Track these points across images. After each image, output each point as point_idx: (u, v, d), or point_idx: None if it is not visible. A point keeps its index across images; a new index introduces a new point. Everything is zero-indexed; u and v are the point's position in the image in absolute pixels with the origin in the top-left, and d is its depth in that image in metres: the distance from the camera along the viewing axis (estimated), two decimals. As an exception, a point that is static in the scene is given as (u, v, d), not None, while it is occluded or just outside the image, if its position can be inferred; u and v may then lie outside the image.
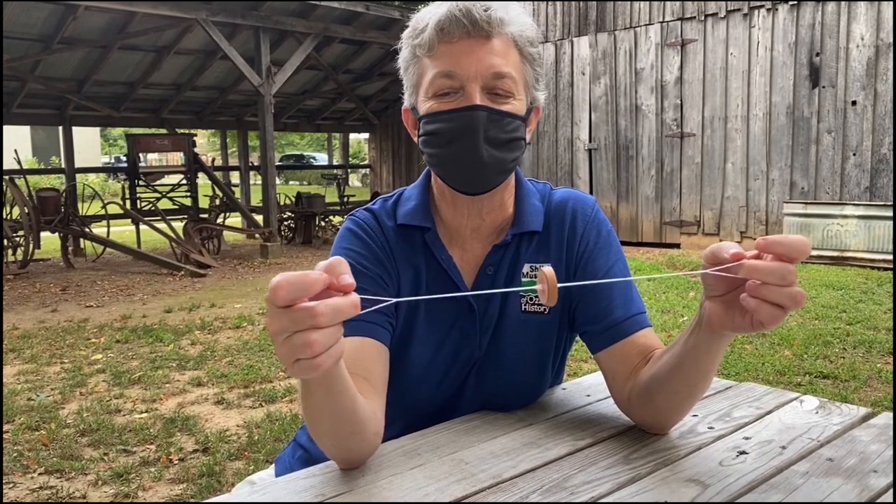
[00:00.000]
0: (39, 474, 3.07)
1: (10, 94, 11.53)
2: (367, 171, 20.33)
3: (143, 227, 11.02)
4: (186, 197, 12.48)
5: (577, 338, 1.24)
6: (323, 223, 12.66)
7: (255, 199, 13.85)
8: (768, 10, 9.15)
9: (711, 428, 1.09)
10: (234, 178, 17.95)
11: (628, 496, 0.87)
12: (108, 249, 10.36)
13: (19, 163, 11.33)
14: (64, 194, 10.56)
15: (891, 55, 8.21)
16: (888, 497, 0.86)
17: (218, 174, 13.73)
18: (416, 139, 1.14)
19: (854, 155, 8.59)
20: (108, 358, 4.97)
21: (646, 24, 10.26)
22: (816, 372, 4.15)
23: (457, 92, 1.05)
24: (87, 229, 10.06)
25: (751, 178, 9.46)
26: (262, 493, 0.93)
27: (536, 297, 1.15)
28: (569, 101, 11.24)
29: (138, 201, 11.94)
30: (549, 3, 11.31)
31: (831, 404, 1.18)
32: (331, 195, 14.62)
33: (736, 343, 4.75)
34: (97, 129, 29.77)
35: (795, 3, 8.89)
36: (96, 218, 10.63)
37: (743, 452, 0.99)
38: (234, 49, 9.88)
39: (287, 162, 31.77)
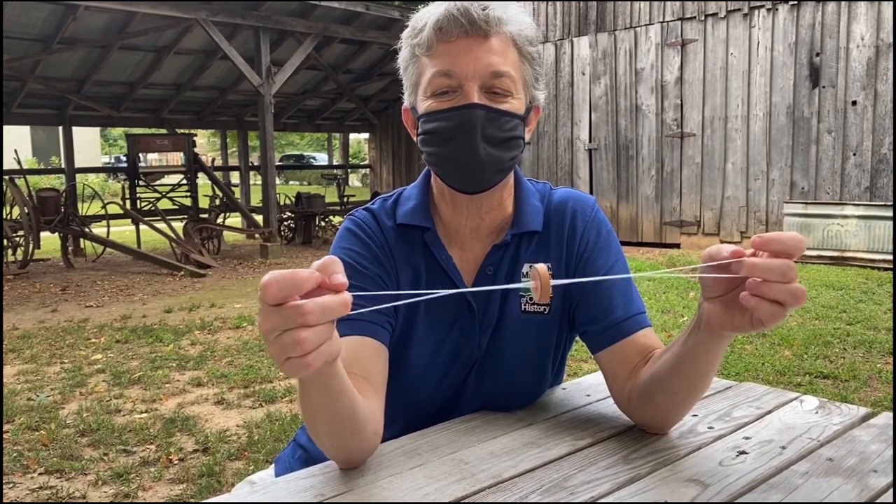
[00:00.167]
0: (39, 474, 3.07)
1: (10, 94, 11.53)
2: (367, 171, 20.33)
3: (142, 227, 11.03)
4: (186, 197, 12.48)
5: (577, 338, 1.24)
6: (323, 223, 12.66)
7: (255, 199, 13.85)
8: (768, 10, 9.15)
9: (711, 428, 1.09)
10: (234, 178, 17.96)
11: (628, 496, 0.87)
12: (107, 249, 10.36)
13: (19, 163, 11.33)
14: (64, 194, 10.56)
15: (891, 55, 8.21)
16: (888, 497, 0.86)
17: (218, 174, 13.73)
18: (415, 138, 1.14)
19: (854, 155, 8.59)
20: (108, 358, 4.96)
21: (646, 24, 10.26)
22: (816, 372, 4.15)
23: (455, 91, 1.06)
24: (86, 229, 10.06)
25: (751, 178, 9.46)
26: (262, 493, 0.93)
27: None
28: (569, 101, 11.24)
29: (138, 201, 11.94)
30: (549, 3, 11.31)
31: (831, 404, 1.18)
32: (331, 195, 14.62)
33: (736, 343, 4.75)
34: (97, 129, 29.78)
35: (795, 3, 8.89)
36: (96, 218, 10.63)
37: (743, 452, 0.99)
38: (234, 49, 9.88)
39: (287, 162, 31.77)
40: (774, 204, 9.24)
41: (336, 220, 12.96)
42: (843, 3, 8.53)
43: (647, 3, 10.21)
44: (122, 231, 12.37)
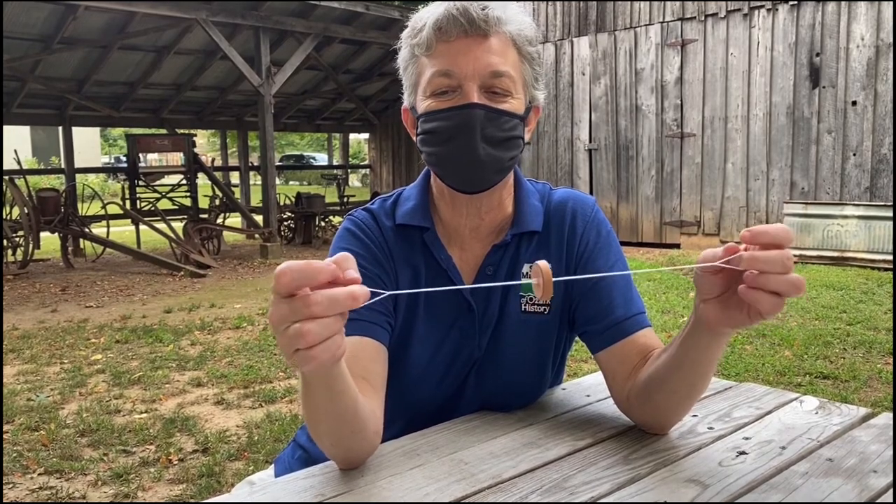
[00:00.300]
0: (39, 475, 3.07)
1: (10, 94, 11.53)
2: (367, 171, 20.33)
3: (142, 227, 11.02)
4: (186, 197, 12.48)
5: (577, 338, 1.24)
6: (323, 223, 12.66)
7: (255, 199, 13.85)
8: (768, 10, 9.15)
9: (711, 428, 1.09)
10: (234, 178, 17.96)
11: (628, 496, 0.87)
12: (107, 250, 10.36)
13: (19, 163, 11.33)
14: (64, 194, 10.56)
15: (891, 55, 8.21)
16: (888, 497, 0.86)
17: (218, 174, 13.73)
18: (415, 138, 1.14)
19: (854, 155, 8.59)
20: (108, 358, 4.96)
21: (646, 25, 10.26)
22: (816, 372, 4.15)
23: (454, 91, 1.06)
24: (86, 229, 10.06)
25: (751, 178, 9.46)
26: (262, 493, 0.93)
27: (535, 296, 1.15)
28: (569, 101, 11.24)
29: (138, 201, 11.94)
30: (549, 3, 11.31)
31: (831, 404, 1.18)
32: (331, 195, 14.62)
33: (736, 343, 4.75)
34: (97, 130, 29.78)
35: (795, 3, 8.89)
36: (96, 218, 10.63)
37: (743, 453, 0.99)
38: (234, 49, 9.88)
39: (287, 162, 31.78)
40: (774, 204, 9.24)
41: (336, 220, 12.96)
42: (843, 3, 8.53)
43: (647, 3, 10.21)
44: (122, 231, 12.37)
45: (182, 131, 13.99)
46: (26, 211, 9.40)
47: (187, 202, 12.39)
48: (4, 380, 4.47)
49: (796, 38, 8.93)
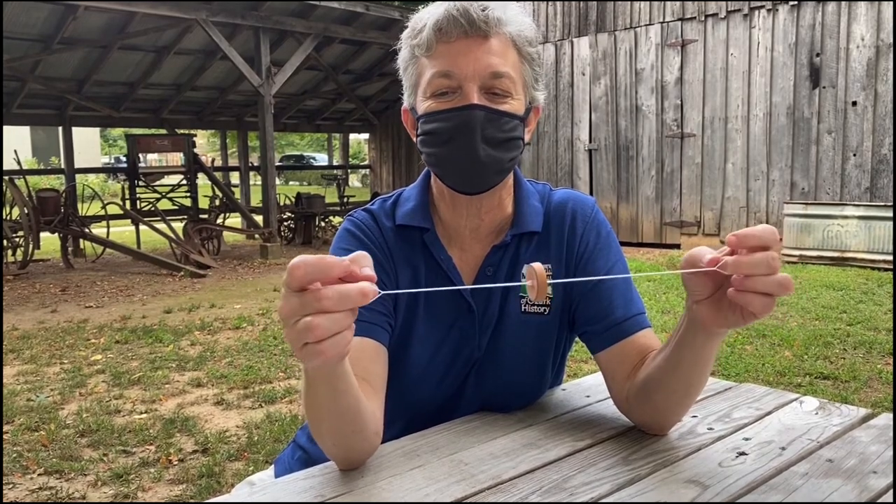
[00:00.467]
0: (39, 475, 3.07)
1: (10, 94, 11.52)
2: (367, 171, 20.33)
3: (142, 227, 11.02)
4: (186, 197, 12.48)
5: (577, 339, 1.24)
6: (323, 224, 12.66)
7: (255, 199, 13.85)
8: (768, 10, 9.16)
9: (711, 429, 1.09)
10: (234, 178, 17.96)
11: (628, 497, 0.87)
12: (107, 250, 10.36)
13: (19, 163, 11.33)
14: (63, 195, 10.56)
15: (891, 56, 8.21)
16: (888, 498, 0.86)
17: (218, 174, 13.73)
18: (415, 139, 1.14)
19: (854, 155, 8.59)
20: (108, 358, 4.96)
21: (646, 25, 10.27)
22: (817, 373, 4.15)
23: (454, 91, 1.06)
24: (86, 230, 10.06)
25: (751, 178, 9.46)
26: (262, 493, 0.93)
27: (530, 298, 1.15)
28: (569, 101, 11.24)
29: (138, 202, 11.95)
30: (549, 3, 11.31)
31: (831, 405, 1.18)
32: (331, 196, 14.62)
33: (736, 344, 4.75)
34: (97, 130, 29.77)
35: (796, 3, 8.90)
36: (96, 218, 10.63)
37: (742, 453, 0.99)
38: (234, 49, 9.89)
39: (287, 162, 31.80)
40: (774, 204, 9.24)
41: (336, 220, 12.95)
42: (843, 3, 8.53)
43: (647, 3, 10.22)
44: (122, 231, 12.37)
45: (182, 131, 13.99)
46: (26, 211, 9.40)
47: (187, 202, 12.39)
48: (4, 380, 4.47)
49: (796, 38, 8.93)
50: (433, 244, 1.16)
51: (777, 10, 9.09)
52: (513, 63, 1.07)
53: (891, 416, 1.13)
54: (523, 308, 1.16)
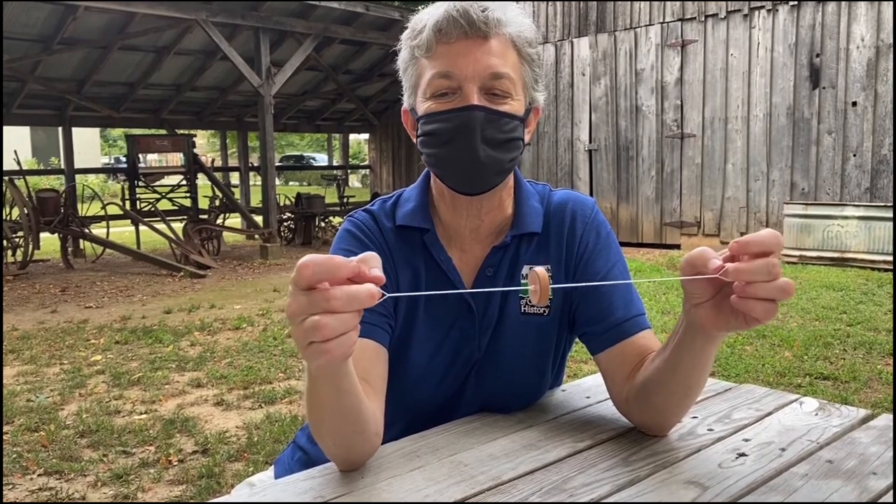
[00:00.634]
0: (39, 475, 3.07)
1: (10, 94, 11.53)
2: (367, 171, 20.33)
3: (142, 227, 11.02)
4: (186, 198, 12.48)
5: (577, 339, 1.24)
6: (323, 224, 12.66)
7: (255, 199, 13.85)
8: (768, 10, 9.16)
9: (711, 430, 1.09)
10: (234, 178, 17.96)
11: (628, 498, 0.87)
12: (107, 250, 10.36)
13: (19, 164, 11.33)
14: (63, 195, 10.56)
15: (891, 56, 8.22)
16: (888, 499, 0.86)
17: (218, 175, 13.73)
18: (415, 140, 1.14)
19: (854, 156, 8.59)
20: (108, 359, 4.96)
21: (646, 25, 10.27)
22: (817, 373, 4.15)
23: (454, 92, 1.06)
24: (86, 230, 10.06)
25: (751, 178, 9.47)
26: (262, 494, 0.93)
27: (532, 302, 1.15)
28: (569, 101, 11.24)
29: (138, 202, 11.95)
30: (549, 3, 11.32)
31: (831, 406, 1.18)
32: (330, 196, 14.62)
33: (736, 345, 4.75)
34: (97, 130, 29.77)
35: (796, 3, 8.90)
36: (96, 219, 10.63)
37: (742, 454, 0.99)
38: (234, 50, 9.89)
39: (287, 163, 31.81)
40: (775, 205, 9.24)
41: (336, 220, 12.96)
42: (843, 3, 8.54)
43: (647, 3, 10.22)
44: (122, 232, 12.37)
45: (182, 132, 13.99)
46: (26, 211, 9.40)
47: (187, 203, 12.39)
48: (4, 381, 4.47)
49: (796, 38, 8.93)
50: (433, 245, 1.16)
51: (777, 10, 9.09)
52: (512, 64, 1.07)
53: (891, 416, 1.13)
54: (523, 309, 1.16)
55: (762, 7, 9.20)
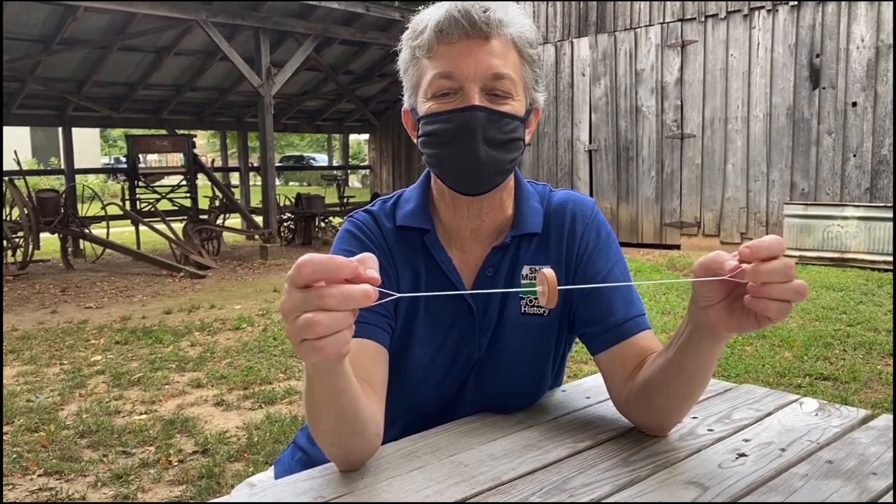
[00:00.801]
0: (39, 476, 3.07)
1: (10, 94, 11.53)
2: (367, 172, 20.33)
3: (142, 228, 11.03)
4: (186, 198, 12.49)
5: (577, 339, 1.24)
6: (323, 224, 12.67)
7: (255, 200, 13.85)
8: (768, 11, 9.16)
9: (711, 430, 1.09)
10: (234, 179, 17.96)
11: (628, 498, 0.87)
12: (107, 250, 10.36)
13: (19, 164, 11.33)
14: (63, 195, 10.56)
15: (891, 56, 8.22)
16: (888, 499, 0.86)
17: (218, 175, 13.73)
18: (415, 140, 1.15)
19: (854, 156, 8.59)
20: (108, 359, 4.96)
21: (646, 25, 10.27)
22: (817, 373, 4.15)
23: (455, 93, 1.06)
24: (86, 230, 10.06)
25: (751, 179, 9.47)
26: (262, 494, 0.93)
27: (536, 298, 1.15)
28: (569, 102, 11.24)
29: (138, 202, 11.95)
30: (549, 3, 11.32)
31: (831, 406, 1.18)
32: (331, 196, 14.62)
33: (736, 345, 4.75)
34: (97, 130, 29.77)
35: (796, 4, 8.90)
36: (96, 219, 10.63)
37: (742, 454, 0.99)
38: (234, 50, 9.88)
39: (287, 163, 31.80)
40: (775, 205, 9.24)
41: (336, 221, 12.96)
42: (843, 3, 8.54)
43: (647, 3, 10.22)
44: (122, 232, 12.37)
45: (182, 132, 13.99)
46: (26, 212, 9.40)
47: (187, 203, 12.40)
48: (4, 381, 4.47)
49: (796, 39, 8.93)
50: (433, 245, 1.16)
51: (777, 10, 9.09)
52: (513, 64, 1.07)
53: (891, 417, 1.13)
54: (523, 309, 1.16)
55: (762, 7, 9.20)
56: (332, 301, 0.70)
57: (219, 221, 11.68)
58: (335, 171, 19.42)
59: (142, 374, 4.53)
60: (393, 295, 0.76)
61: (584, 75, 11.03)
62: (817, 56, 8.79)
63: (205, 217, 11.54)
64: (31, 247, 9.44)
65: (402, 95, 1.17)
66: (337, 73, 13.49)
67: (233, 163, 17.72)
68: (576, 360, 4.39)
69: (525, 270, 1.16)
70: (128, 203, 11.71)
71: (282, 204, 12.49)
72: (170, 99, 13.43)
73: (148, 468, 3.11)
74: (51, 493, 2.90)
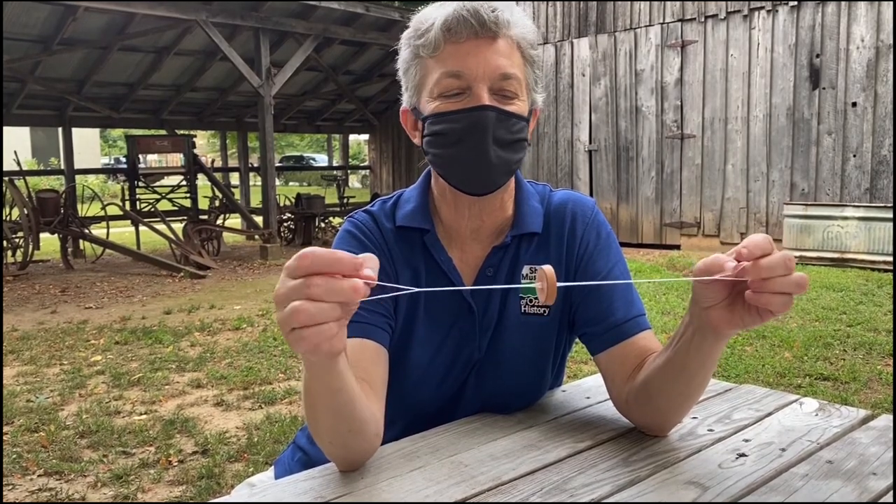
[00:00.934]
0: (39, 476, 3.07)
1: (10, 94, 11.53)
2: (367, 172, 20.33)
3: (142, 228, 11.03)
4: (186, 198, 12.49)
5: (577, 340, 1.24)
6: (323, 224, 12.67)
7: (255, 200, 13.86)
8: (768, 11, 9.16)
9: (711, 430, 1.09)
10: (234, 179, 17.97)
11: (628, 498, 0.87)
12: (107, 251, 10.36)
13: (19, 164, 11.33)
14: (63, 195, 10.56)
15: (891, 57, 8.22)
16: (888, 499, 0.86)
17: (217, 175, 13.73)
18: (415, 140, 1.14)
19: (854, 156, 8.59)
20: (108, 359, 4.96)
21: (646, 26, 10.27)
22: (817, 374, 4.15)
23: (464, 92, 1.05)
24: (86, 230, 10.06)
25: (751, 179, 9.47)
26: (262, 495, 0.93)
27: (536, 298, 1.15)
28: (569, 102, 11.24)
29: (138, 202, 11.95)
30: (549, 4, 11.32)
31: (831, 406, 1.18)
32: (330, 196, 14.63)
33: (736, 345, 4.75)
34: (97, 131, 29.78)
35: (795, 4, 8.90)
36: (96, 219, 10.63)
37: (742, 455, 0.99)
38: (234, 50, 9.89)
39: (287, 163, 31.81)
40: (774, 205, 9.24)
41: (336, 221, 12.96)
42: (843, 4, 8.54)
43: (647, 4, 10.22)
44: (122, 232, 12.37)
45: (182, 132, 13.99)
46: (26, 212, 9.40)
47: (187, 203, 12.40)
48: (4, 381, 4.47)
49: (796, 39, 8.93)
50: (433, 245, 1.16)
51: (777, 10, 9.09)
52: (518, 65, 1.08)
53: (891, 417, 1.13)
54: (523, 309, 1.16)
55: (762, 8, 9.20)
56: (317, 290, 0.70)
57: (219, 222, 11.68)
58: (335, 172, 19.43)
59: (142, 375, 4.53)
60: (393, 287, 0.77)
61: (584, 75, 11.03)
62: (817, 56, 8.79)
63: (205, 217, 11.54)
64: (30, 247, 9.44)
65: (402, 95, 1.16)
66: (337, 73, 13.49)
67: (233, 163, 17.72)
68: (576, 360, 4.39)
69: (525, 270, 1.16)
70: (128, 203, 11.71)
71: (282, 204, 12.49)
72: (170, 99, 13.43)
73: (148, 468, 3.11)
74: (51, 493, 2.90)
